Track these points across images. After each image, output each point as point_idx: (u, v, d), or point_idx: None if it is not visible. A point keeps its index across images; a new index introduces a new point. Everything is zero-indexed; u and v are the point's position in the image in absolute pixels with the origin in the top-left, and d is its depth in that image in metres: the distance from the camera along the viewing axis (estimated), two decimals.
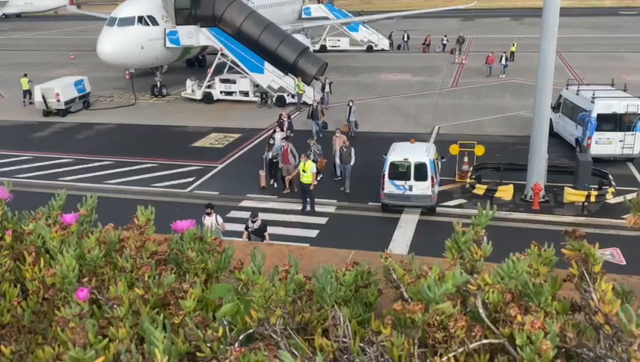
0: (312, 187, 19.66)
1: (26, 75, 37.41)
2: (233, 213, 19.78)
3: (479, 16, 77.32)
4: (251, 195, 21.29)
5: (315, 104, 28.28)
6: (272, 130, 23.71)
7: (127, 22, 33.86)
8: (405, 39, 54.74)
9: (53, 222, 2.42)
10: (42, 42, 69.55)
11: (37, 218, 2.51)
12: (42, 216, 2.54)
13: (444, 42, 50.92)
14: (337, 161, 21.59)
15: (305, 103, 33.22)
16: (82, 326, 1.77)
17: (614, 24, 68.66)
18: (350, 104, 27.71)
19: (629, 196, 2.35)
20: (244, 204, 20.68)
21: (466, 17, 76.95)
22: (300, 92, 33.28)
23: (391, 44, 54.82)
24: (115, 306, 1.94)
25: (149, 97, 37.73)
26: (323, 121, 27.87)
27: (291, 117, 26.02)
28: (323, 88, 33.93)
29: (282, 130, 23.31)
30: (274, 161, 21.55)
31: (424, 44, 52.24)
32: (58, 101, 33.46)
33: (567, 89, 26.10)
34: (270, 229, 18.28)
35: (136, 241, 2.26)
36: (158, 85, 37.72)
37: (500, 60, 40.09)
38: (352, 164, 21.07)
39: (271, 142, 22.16)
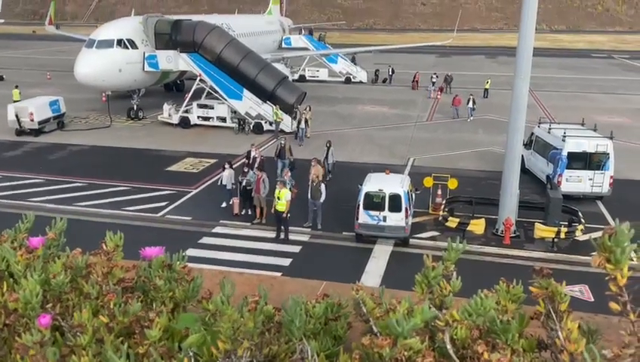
0: (285, 215, 19.57)
1: (17, 87, 37.10)
2: (205, 240, 19.57)
3: (455, 53, 79.06)
4: (225, 222, 21.11)
5: (283, 142, 26.23)
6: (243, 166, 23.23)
7: (105, 44, 33.80)
8: (390, 73, 55.19)
9: (19, 245, 2.37)
10: (18, 61, 68.89)
11: (2, 240, 2.46)
12: (7, 238, 2.48)
13: (434, 80, 50.22)
14: (309, 195, 20.95)
15: (282, 131, 33.34)
16: (43, 354, 1.72)
17: (585, 66, 70.81)
18: (328, 145, 26.07)
19: (594, 235, 2.39)
20: (217, 230, 20.48)
21: (442, 54, 78.60)
22: (277, 120, 33.41)
23: (376, 78, 55.09)
24: (78, 334, 1.89)
25: (125, 120, 37.48)
26: (290, 161, 25.35)
27: (262, 154, 25.47)
28: (298, 123, 32.82)
29: (251, 168, 23.01)
30: (247, 188, 21.46)
31: (414, 80, 51.90)
32: (32, 120, 33.01)
33: (539, 127, 26.66)
34: (242, 257, 18.17)
35: (104, 267, 2.22)
36: (135, 108, 37.55)
37: (468, 103, 38.38)
38: (322, 200, 20.57)
39: (245, 169, 22.09)
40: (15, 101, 36.34)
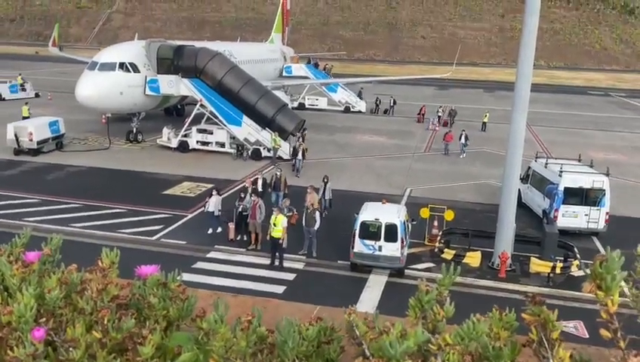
0: (282, 241, 19.52)
1: (27, 103, 37.32)
2: (200, 265, 19.48)
3: (454, 86, 79.83)
4: (219, 247, 21.03)
5: (279, 173, 25.69)
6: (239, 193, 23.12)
7: (108, 67, 34.09)
8: (392, 104, 55.13)
9: (15, 259, 2.38)
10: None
11: None
12: (4, 252, 2.49)
13: (439, 113, 49.96)
14: (303, 222, 20.91)
15: (280, 158, 33.44)
16: None
17: (582, 102, 71.51)
18: (325, 180, 24.94)
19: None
20: (212, 255, 20.39)
21: (441, 87, 79.36)
22: (275, 146, 33.55)
23: (376, 108, 55.15)
24: (71, 349, 1.89)
25: (124, 142, 37.58)
26: (285, 194, 24.58)
27: (259, 182, 25.49)
28: (295, 154, 31.86)
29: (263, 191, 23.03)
30: (243, 214, 21.43)
31: (419, 113, 51.30)
32: (31, 140, 33.09)
33: (535, 161, 26.81)
34: (236, 283, 18.05)
35: (99, 284, 2.23)
36: (134, 131, 37.68)
37: (460, 138, 37.32)
38: (316, 228, 20.52)
39: (242, 195, 22.09)
40: (24, 117, 36.81)
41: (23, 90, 56.20)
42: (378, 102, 55.23)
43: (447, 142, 37.93)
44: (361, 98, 56.46)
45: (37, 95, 55.88)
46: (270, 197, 24.50)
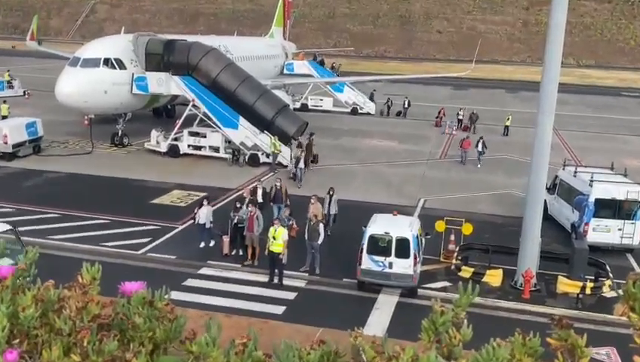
0: (282, 256, 19.50)
1: (5, 102, 37.50)
2: (190, 282, 19.47)
3: (473, 86, 79.86)
4: (212, 262, 21.03)
5: (278, 184, 25.39)
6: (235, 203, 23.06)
7: (91, 63, 34.26)
8: (406, 106, 54.86)
9: None
10: None
11: None
12: None
13: (460, 117, 49.33)
14: (306, 236, 20.86)
15: (280, 164, 33.49)
16: None
17: (615, 105, 71.43)
18: (331, 193, 24.40)
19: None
20: (204, 271, 20.40)
21: (458, 86, 79.42)
22: (275, 151, 33.54)
23: (387, 110, 55.05)
24: None
25: (108, 146, 37.71)
26: (286, 205, 24.29)
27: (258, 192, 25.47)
28: (297, 162, 31.49)
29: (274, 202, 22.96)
30: (239, 226, 21.43)
31: (437, 117, 50.48)
32: (5, 143, 33.24)
33: (563, 169, 26.77)
34: (231, 302, 18.04)
35: (78, 302, 2.23)
36: (120, 134, 37.81)
37: (477, 146, 36.85)
38: (320, 242, 20.50)
39: (237, 205, 22.11)
40: (4, 117, 37.02)
41: (11, 87, 56.51)
42: (390, 103, 55.19)
43: (465, 149, 37.35)
44: (372, 100, 56.41)
45: (26, 93, 56.19)
46: (271, 211, 24.11)
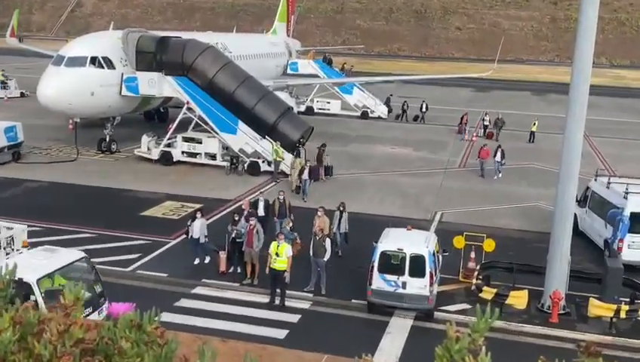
0: (286, 275, 19.47)
1: None
2: (183, 302, 19.47)
3: (495, 87, 79.92)
4: (208, 281, 21.03)
5: (282, 197, 24.96)
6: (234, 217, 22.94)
7: (77, 62, 34.44)
8: (423, 109, 54.60)
9: None
10: None
11: None
12: None
13: (486, 123, 48.81)
14: (310, 251, 20.82)
15: (282, 173, 33.53)
16: None
17: None
18: (341, 208, 23.76)
19: None
20: (199, 291, 20.39)
21: (480, 88, 79.50)
22: (277, 159, 33.59)
23: (402, 113, 54.97)
24: None
25: (95, 153, 37.87)
26: (290, 220, 23.68)
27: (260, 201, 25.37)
28: (301, 173, 31.04)
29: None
30: (237, 240, 21.43)
31: (461, 123, 49.62)
32: None
33: (595, 180, 26.69)
34: (228, 325, 18.02)
35: (60, 325, 2.25)
36: (107, 139, 37.97)
37: (495, 155, 36.36)
38: (325, 258, 20.45)
39: (236, 217, 22.13)
40: None
41: (4, 87, 56.73)
42: (405, 106, 55.11)
43: (483, 159, 36.53)
44: (389, 105, 56.24)
45: (23, 95, 56.40)
46: (274, 226, 23.85)
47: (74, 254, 16.37)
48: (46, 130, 41.65)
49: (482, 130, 48.80)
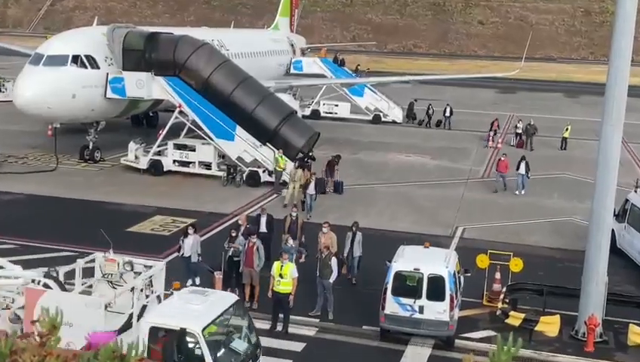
0: (290, 298, 19.42)
1: None
2: None
3: (522, 88, 79.95)
4: None
5: (294, 214, 24.77)
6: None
7: (57, 61, 34.61)
8: (447, 114, 54.51)
9: None
10: None
11: None
12: None
13: (519, 130, 48.36)
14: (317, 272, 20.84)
15: (284, 184, 33.54)
16: None
17: None
18: (354, 228, 23.19)
19: None
20: None
21: (505, 89, 79.52)
22: (279, 168, 33.60)
23: (428, 119, 54.78)
24: None
25: (77, 162, 37.98)
26: (301, 242, 24.32)
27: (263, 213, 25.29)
28: (306, 186, 30.55)
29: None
30: (234, 259, 21.41)
31: (491, 129, 48.97)
32: None
33: (636, 192, 26.63)
34: None
35: (34, 356, 2.24)
36: (90, 147, 38.07)
37: (518, 167, 35.36)
38: (332, 279, 20.42)
39: (233, 233, 22.13)
40: None
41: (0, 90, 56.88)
42: (431, 111, 54.92)
43: (501, 172, 35.58)
44: (412, 111, 55.98)
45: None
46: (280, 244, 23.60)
47: (229, 297, 16.01)
48: (22, 136, 41.80)
49: (514, 138, 48.24)
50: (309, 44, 71.81)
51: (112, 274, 17.30)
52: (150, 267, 17.48)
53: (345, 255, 22.80)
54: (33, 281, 15.73)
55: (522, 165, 35.30)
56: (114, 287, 16.98)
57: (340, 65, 61.90)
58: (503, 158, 36.23)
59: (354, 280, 22.88)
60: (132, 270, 17.19)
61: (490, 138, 47.94)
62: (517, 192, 35.22)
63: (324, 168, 34.26)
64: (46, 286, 15.67)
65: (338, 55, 65.49)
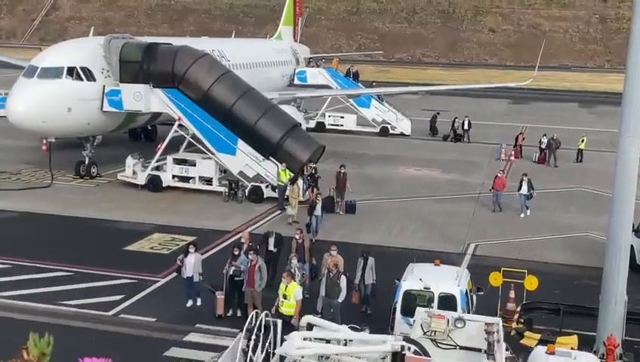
0: (294, 321, 19.35)
1: None
2: (174, 351, 19.35)
3: (535, 98, 79.96)
4: (202, 326, 20.95)
5: (298, 236, 24.02)
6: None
7: (52, 73, 34.71)
8: (466, 127, 54.36)
9: None
10: None
11: None
12: None
13: (542, 145, 47.21)
14: (322, 292, 20.71)
15: (288, 199, 33.50)
16: None
17: None
18: (365, 255, 22.36)
19: None
20: (192, 338, 20.29)
21: (518, 99, 79.56)
22: (280, 183, 33.40)
23: (454, 133, 54.45)
24: None
25: (72, 178, 38.03)
26: (312, 264, 23.65)
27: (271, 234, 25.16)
28: (312, 209, 29.64)
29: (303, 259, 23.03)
30: (236, 279, 21.38)
31: (516, 144, 48.60)
32: None
33: None
34: None
35: None
36: (87, 162, 38.10)
37: (520, 187, 34.21)
38: (341, 300, 20.34)
39: (235, 252, 22.11)
40: None
41: None
42: (456, 125, 54.68)
43: (497, 191, 34.35)
44: (435, 126, 55.76)
45: None
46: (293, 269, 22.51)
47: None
48: (16, 151, 41.89)
49: (537, 153, 47.42)
50: (313, 54, 71.97)
51: (437, 332, 14.92)
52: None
53: (357, 283, 22.09)
54: (402, 348, 13.04)
55: (524, 184, 34.07)
56: (438, 347, 14.70)
57: (354, 79, 61.53)
58: (499, 175, 35.46)
59: (368, 311, 22.03)
60: (463, 326, 15.01)
61: (502, 150, 47.58)
62: (521, 215, 34.00)
63: (333, 186, 33.66)
64: (417, 353, 13.16)
65: (352, 68, 64.65)
